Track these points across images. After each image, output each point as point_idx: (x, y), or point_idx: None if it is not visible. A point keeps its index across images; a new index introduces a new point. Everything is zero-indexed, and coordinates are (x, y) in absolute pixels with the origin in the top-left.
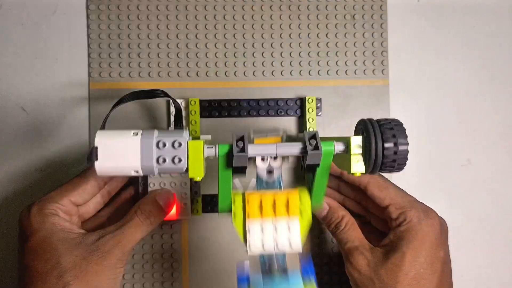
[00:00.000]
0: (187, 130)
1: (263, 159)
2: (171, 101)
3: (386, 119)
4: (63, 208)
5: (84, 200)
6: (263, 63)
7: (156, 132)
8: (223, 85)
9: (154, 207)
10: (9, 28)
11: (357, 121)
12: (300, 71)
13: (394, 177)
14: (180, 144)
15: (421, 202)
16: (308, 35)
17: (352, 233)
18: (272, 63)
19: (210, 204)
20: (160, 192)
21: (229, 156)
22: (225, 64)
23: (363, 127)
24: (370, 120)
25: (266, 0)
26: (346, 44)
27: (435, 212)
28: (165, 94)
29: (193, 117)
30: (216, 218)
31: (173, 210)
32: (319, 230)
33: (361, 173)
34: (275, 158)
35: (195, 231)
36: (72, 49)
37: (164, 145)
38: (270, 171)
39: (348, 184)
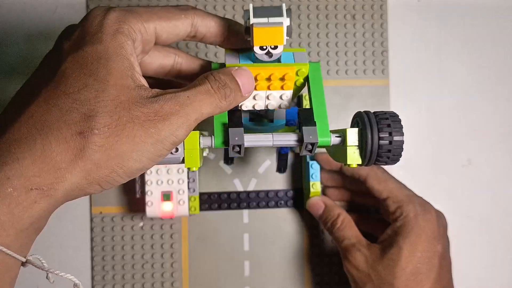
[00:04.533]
0: None
1: (262, 48)
2: None
3: (382, 111)
4: (142, 38)
5: (166, 39)
6: None
7: None
8: None
9: (229, 79)
10: (9, 28)
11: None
12: None
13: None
14: None
15: (419, 196)
16: (308, 35)
17: (349, 230)
18: None
19: (207, 202)
20: (238, 69)
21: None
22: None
23: (359, 119)
24: (366, 112)
25: (266, 0)
26: (346, 44)
27: (432, 206)
28: None
29: None
30: (215, 216)
31: (170, 208)
32: (319, 230)
33: (358, 164)
34: (274, 47)
35: (195, 231)
36: None
37: None
38: (269, 54)
39: (350, 178)
